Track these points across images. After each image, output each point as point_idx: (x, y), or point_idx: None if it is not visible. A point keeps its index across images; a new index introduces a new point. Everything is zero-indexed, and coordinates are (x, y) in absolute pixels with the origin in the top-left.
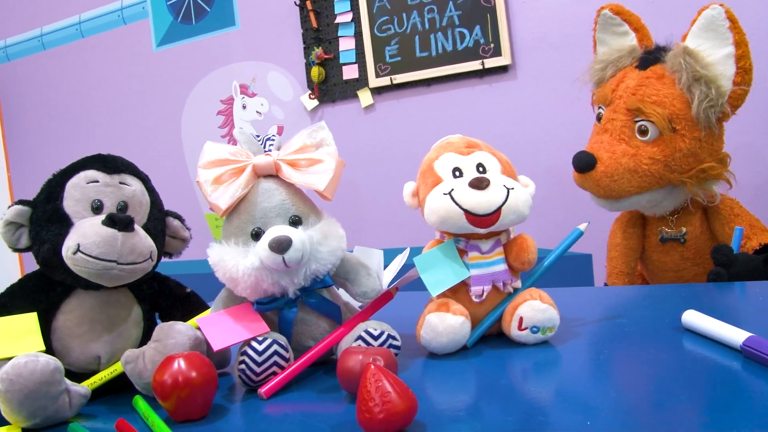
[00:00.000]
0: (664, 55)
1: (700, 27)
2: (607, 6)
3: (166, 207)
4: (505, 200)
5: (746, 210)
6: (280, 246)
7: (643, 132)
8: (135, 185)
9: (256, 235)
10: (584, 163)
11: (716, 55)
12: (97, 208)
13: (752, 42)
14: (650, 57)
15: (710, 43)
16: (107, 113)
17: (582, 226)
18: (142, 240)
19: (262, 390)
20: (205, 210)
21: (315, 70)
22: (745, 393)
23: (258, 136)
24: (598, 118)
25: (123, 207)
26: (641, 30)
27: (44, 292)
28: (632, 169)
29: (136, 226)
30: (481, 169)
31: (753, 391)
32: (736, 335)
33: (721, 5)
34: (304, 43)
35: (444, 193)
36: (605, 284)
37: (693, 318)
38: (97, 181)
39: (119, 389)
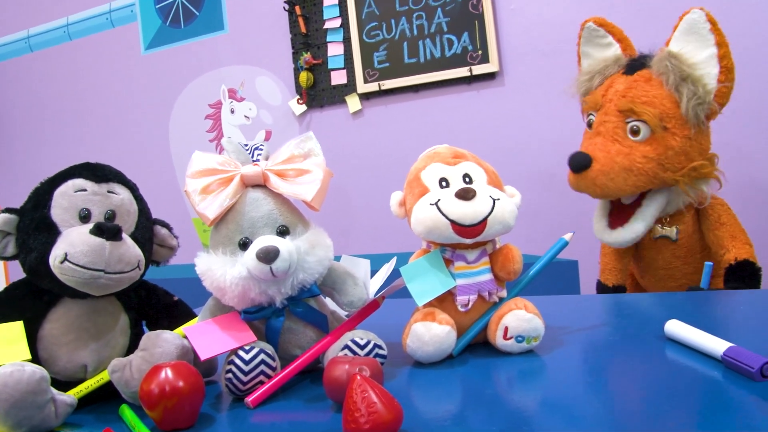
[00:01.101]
0: (649, 60)
1: (683, 31)
2: (591, 19)
3: (153, 210)
4: (491, 211)
5: (734, 217)
6: (268, 256)
7: (635, 132)
8: (123, 194)
9: (244, 245)
10: (580, 162)
11: (700, 56)
12: (84, 217)
13: (738, 48)
14: (636, 63)
15: (693, 46)
16: (95, 116)
17: (567, 236)
18: (130, 249)
19: (249, 399)
20: (193, 214)
21: (303, 75)
22: (725, 403)
23: (246, 145)
24: (589, 124)
25: (111, 216)
26: (624, 41)
27: (31, 300)
28: (627, 168)
29: (124, 235)
30: (467, 179)
31: (733, 401)
32: (718, 345)
33: (701, 9)
34: (293, 48)
35: (431, 204)
36: (598, 281)
37: (675, 328)
38: (85, 190)
39: (106, 398)
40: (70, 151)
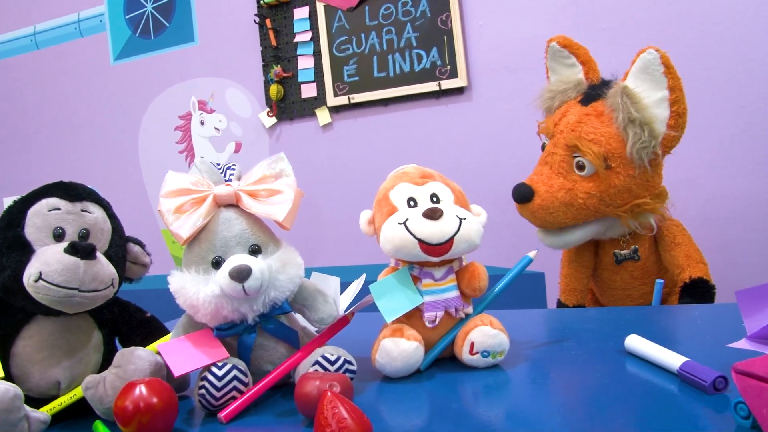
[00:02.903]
0: (605, 91)
1: (638, 69)
2: (555, 38)
3: (122, 219)
4: (458, 230)
5: (688, 237)
6: (241, 275)
7: (581, 167)
8: (96, 212)
9: (217, 264)
10: (521, 195)
11: (652, 98)
12: (58, 236)
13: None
14: (593, 93)
15: (647, 86)
16: (63, 126)
17: (531, 254)
18: (104, 268)
19: (222, 414)
20: (161, 225)
21: (274, 88)
22: (680, 416)
23: (218, 165)
24: (543, 147)
25: (84, 234)
26: (588, 63)
27: (3, 317)
28: (568, 203)
29: (98, 254)
30: (434, 199)
31: (687, 414)
32: (674, 360)
33: (656, 50)
34: (263, 60)
35: (399, 223)
36: (558, 300)
37: (635, 343)
38: (59, 209)
39: (79, 414)
40: (36, 160)
